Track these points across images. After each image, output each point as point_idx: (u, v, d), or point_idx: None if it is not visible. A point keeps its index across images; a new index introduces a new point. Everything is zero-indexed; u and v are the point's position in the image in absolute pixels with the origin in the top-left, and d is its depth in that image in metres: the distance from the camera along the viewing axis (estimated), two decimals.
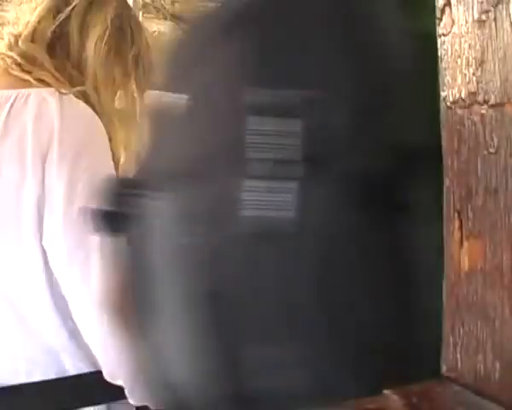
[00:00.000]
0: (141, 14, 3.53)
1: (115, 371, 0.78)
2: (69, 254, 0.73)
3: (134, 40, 0.92)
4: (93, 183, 0.76)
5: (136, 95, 0.93)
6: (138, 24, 0.96)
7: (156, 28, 3.63)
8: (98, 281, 0.73)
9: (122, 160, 0.88)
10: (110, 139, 0.83)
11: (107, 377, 0.78)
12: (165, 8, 3.58)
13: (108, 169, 0.81)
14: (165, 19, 3.59)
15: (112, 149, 0.84)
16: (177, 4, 3.62)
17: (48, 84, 0.80)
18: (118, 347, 0.74)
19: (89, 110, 0.82)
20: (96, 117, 0.83)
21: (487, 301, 0.69)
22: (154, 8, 3.55)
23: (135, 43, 0.93)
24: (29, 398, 0.80)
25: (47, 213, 0.74)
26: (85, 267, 0.72)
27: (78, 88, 0.82)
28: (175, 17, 3.63)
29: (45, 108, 0.77)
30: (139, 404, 0.84)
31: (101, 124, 0.82)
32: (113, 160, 0.84)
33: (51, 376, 0.79)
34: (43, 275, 0.77)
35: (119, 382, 0.78)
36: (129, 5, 0.92)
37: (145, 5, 3.54)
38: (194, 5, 3.85)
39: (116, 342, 0.74)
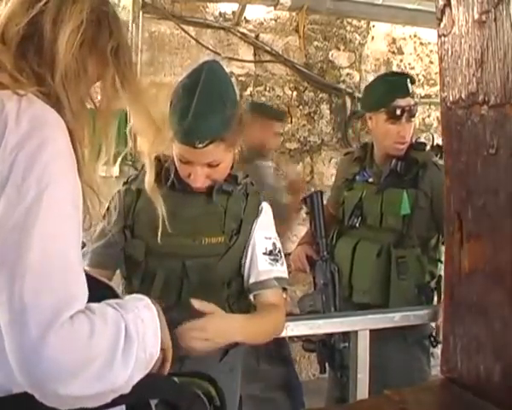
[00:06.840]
0: (141, 14, 3.53)
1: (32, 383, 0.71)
2: None
3: (112, 34, 0.91)
4: (47, 184, 0.75)
5: (118, 84, 0.90)
6: (116, 19, 0.93)
7: (156, 28, 3.63)
8: (25, 290, 0.70)
9: (87, 155, 0.86)
10: (73, 135, 0.81)
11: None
12: (165, 8, 3.58)
13: (66, 168, 0.78)
14: (166, 19, 3.60)
15: (75, 146, 0.82)
16: (177, 4, 3.62)
17: (6, 87, 0.80)
18: (36, 360, 0.69)
19: (47, 110, 0.80)
20: (57, 116, 0.79)
21: (487, 301, 0.69)
22: (154, 8, 3.55)
23: (113, 37, 0.91)
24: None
25: None
26: (12, 275, 0.71)
27: (39, 87, 0.80)
28: (175, 17, 3.64)
29: (0, 111, 0.77)
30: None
31: (63, 123, 0.80)
32: (76, 155, 0.82)
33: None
34: None
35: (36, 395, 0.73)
36: (107, 0, 0.91)
37: (145, 5, 3.55)
38: (194, 5, 3.86)
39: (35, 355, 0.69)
